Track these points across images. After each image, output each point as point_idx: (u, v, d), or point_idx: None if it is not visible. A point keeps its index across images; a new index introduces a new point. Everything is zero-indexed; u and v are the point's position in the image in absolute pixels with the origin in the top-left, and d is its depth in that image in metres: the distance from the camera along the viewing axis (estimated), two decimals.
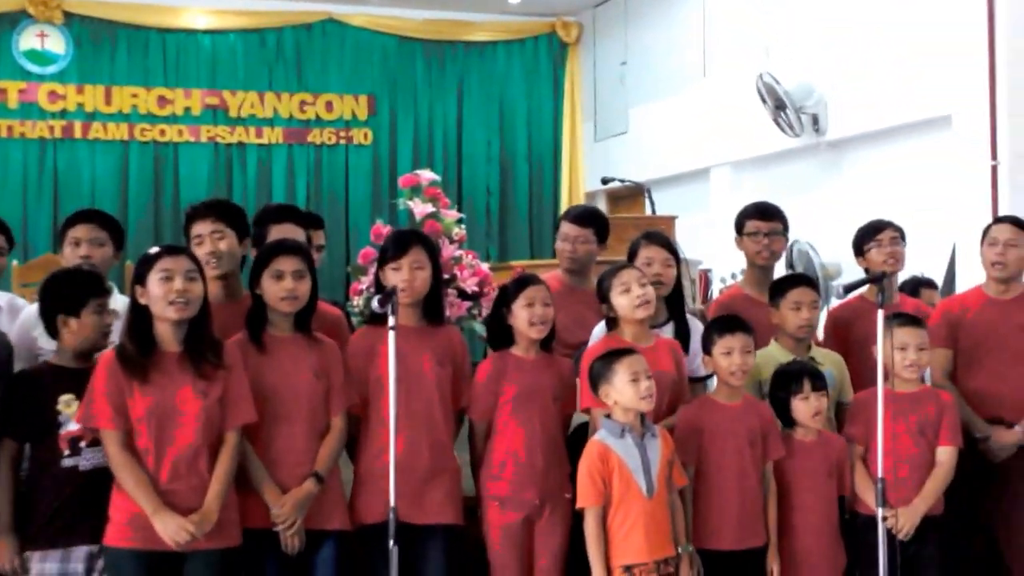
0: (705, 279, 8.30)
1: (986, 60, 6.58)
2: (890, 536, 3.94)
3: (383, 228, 5.12)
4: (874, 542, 3.94)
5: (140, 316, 3.53)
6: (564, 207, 9.96)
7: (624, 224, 6.35)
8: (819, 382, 4.12)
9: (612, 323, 4.18)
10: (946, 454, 4.18)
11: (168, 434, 3.49)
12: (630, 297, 4.06)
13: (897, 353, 4.09)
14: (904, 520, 4.05)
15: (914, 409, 4.09)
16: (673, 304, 4.45)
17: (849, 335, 4.67)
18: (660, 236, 4.58)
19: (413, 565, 3.82)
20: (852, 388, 4.43)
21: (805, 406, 4.09)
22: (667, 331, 4.36)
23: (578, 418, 4.25)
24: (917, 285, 6.14)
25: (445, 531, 3.94)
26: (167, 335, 3.54)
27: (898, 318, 4.13)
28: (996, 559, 4.53)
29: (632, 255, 4.48)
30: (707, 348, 4.09)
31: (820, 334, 4.72)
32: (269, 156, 10.56)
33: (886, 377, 4.04)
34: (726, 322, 4.14)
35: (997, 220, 4.76)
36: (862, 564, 4.13)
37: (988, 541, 4.56)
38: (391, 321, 3.58)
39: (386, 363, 3.61)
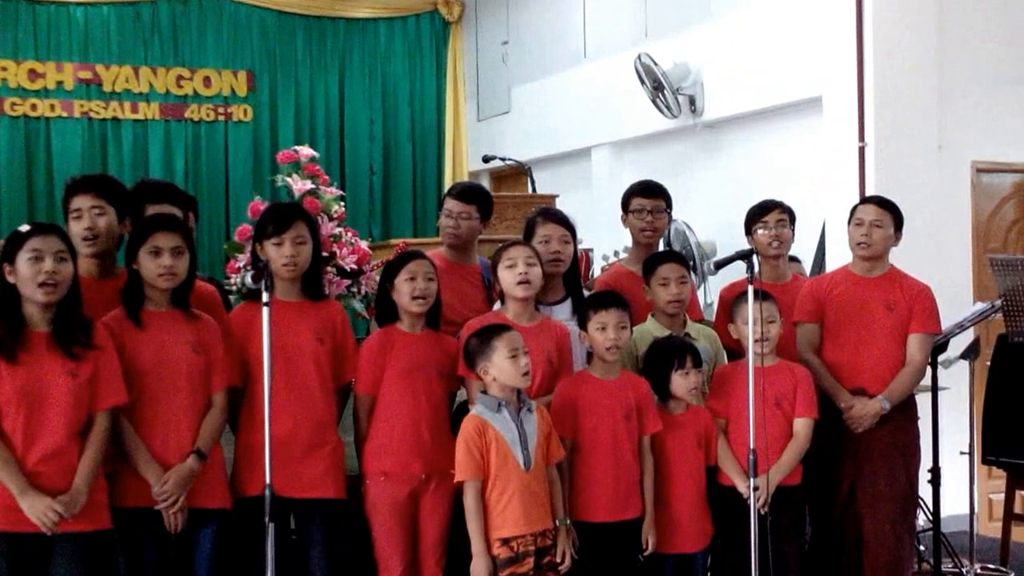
0: (587, 258, 8.38)
1: (854, 43, 6.75)
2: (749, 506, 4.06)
3: (261, 205, 5.08)
4: (735, 513, 4.07)
5: (7, 295, 3.46)
6: (447, 186, 9.97)
7: (505, 203, 6.40)
8: (698, 358, 4.22)
9: (503, 298, 4.23)
10: (802, 425, 4.34)
11: (36, 415, 3.43)
12: (513, 273, 4.11)
13: (748, 327, 4.20)
14: (762, 490, 4.17)
15: (771, 382, 4.20)
16: (571, 281, 4.51)
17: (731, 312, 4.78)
18: (557, 213, 4.64)
19: (295, 539, 3.82)
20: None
21: (685, 381, 4.19)
22: (565, 308, 4.41)
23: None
24: None
25: (326, 505, 3.95)
26: (35, 315, 3.47)
27: (746, 295, 4.23)
28: (856, 527, 4.71)
29: (529, 233, 4.51)
30: (583, 324, 4.15)
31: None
32: (145, 132, 10.34)
33: (748, 352, 4.15)
34: (600, 298, 4.21)
35: (863, 201, 4.91)
36: (725, 534, 4.26)
37: (848, 509, 4.73)
38: (265, 297, 3.58)
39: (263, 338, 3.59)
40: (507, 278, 4.14)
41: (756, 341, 4.10)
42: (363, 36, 11.06)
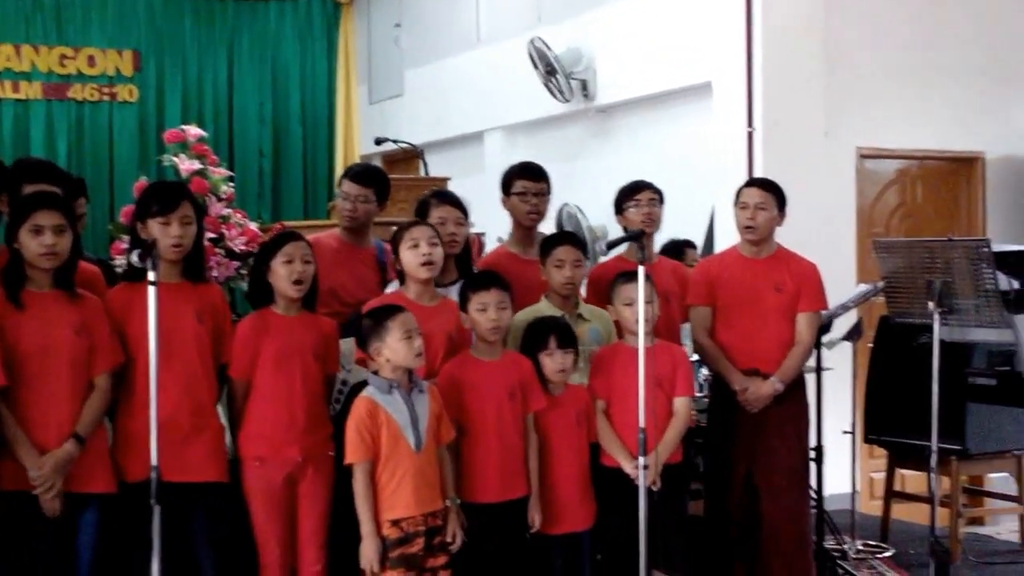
0: (479, 243, 8.39)
1: (743, 30, 6.85)
2: (634, 486, 4.09)
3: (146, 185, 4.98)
4: (618, 492, 4.10)
5: None
6: (339, 170, 9.88)
7: (397, 185, 6.34)
8: (566, 339, 4.23)
9: (403, 278, 4.20)
10: (682, 404, 4.40)
11: None
12: (416, 254, 4.09)
13: (629, 309, 4.23)
14: (650, 469, 4.22)
15: (651, 362, 4.24)
16: (463, 263, 4.51)
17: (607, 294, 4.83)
18: (450, 195, 4.65)
19: (178, 523, 3.76)
20: None
21: (550, 362, 4.20)
22: (457, 290, 4.39)
23: None
24: (680, 246, 6.40)
25: (208, 489, 3.89)
26: None
27: (625, 275, 4.27)
28: (752, 505, 4.79)
29: (422, 214, 4.49)
30: (463, 305, 4.14)
31: None
32: (27, 112, 10.03)
33: (634, 332, 4.20)
34: (481, 279, 4.21)
35: (747, 184, 4.99)
36: (609, 513, 4.29)
37: (744, 488, 4.81)
38: (152, 276, 3.48)
39: (144, 320, 3.49)
40: (410, 259, 4.12)
41: (628, 322, 4.16)
42: (253, 17, 10.87)
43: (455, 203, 4.54)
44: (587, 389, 4.38)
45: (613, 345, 4.50)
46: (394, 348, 3.79)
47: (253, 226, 5.39)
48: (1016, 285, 4.47)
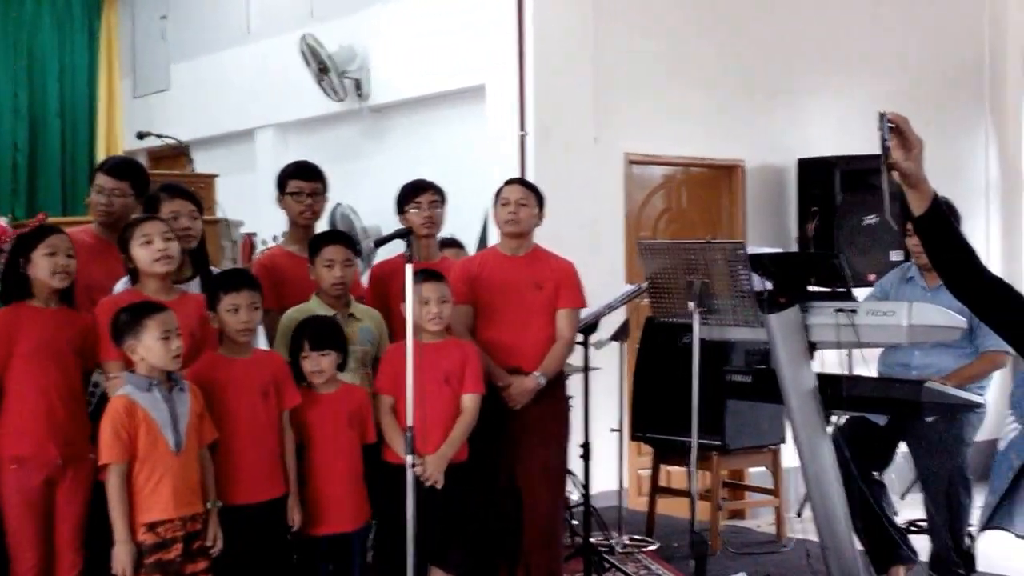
0: (250, 242, 8.21)
1: (516, 35, 6.92)
2: (419, 482, 4.11)
3: None
4: (403, 489, 4.08)
5: None
6: None
7: (160, 182, 6.16)
8: (326, 340, 4.17)
9: (135, 276, 4.05)
10: (470, 401, 4.41)
11: None
12: (151, 250, 3.96)
13: (422, 307, 4.24)
14: (432, 467, 4.23)
15: (440, 359, 4.25)
16: (198, 258, 4.39)
17: (388, 291, 4.80)
18: (181, 188, 4.54)
19: None
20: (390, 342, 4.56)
21: (308, 363, 4.16)
22: (194, 286, 4.29)
23: None
24: (443, 245, 6.40)
25: None
26: None
27: (421, 273, 4.27)
28: (517, 498, 4.84)
29: (153, 209, 4.35)
30: (212, 304, 4.03)
31: None
32: None
33: (424, 330, 4.21)
34: (231, 278, 4.13)
35: (507, 182, 5.05)
36: (393, 511, 4.26)
37: (507, 485, 4.85)
38: None
39: None
40: (144, 255, 3.97)
41: (431, 320, 4.18)
42: (6, 4, 10.31)
43: (187, 196, 4.44)
44: (362, 388, 4.34)
45: (400, 343, 4.47)
46: (150, 347, 3.66)
47: (3, 221, 5.10)
48: (769, 286, 4.64)
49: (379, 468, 4.29)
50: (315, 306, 4.43)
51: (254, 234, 8.27)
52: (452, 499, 4.32)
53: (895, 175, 2.50)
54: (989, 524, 2.52)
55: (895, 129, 2.48)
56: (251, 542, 3.92)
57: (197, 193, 4.52)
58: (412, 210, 4.92)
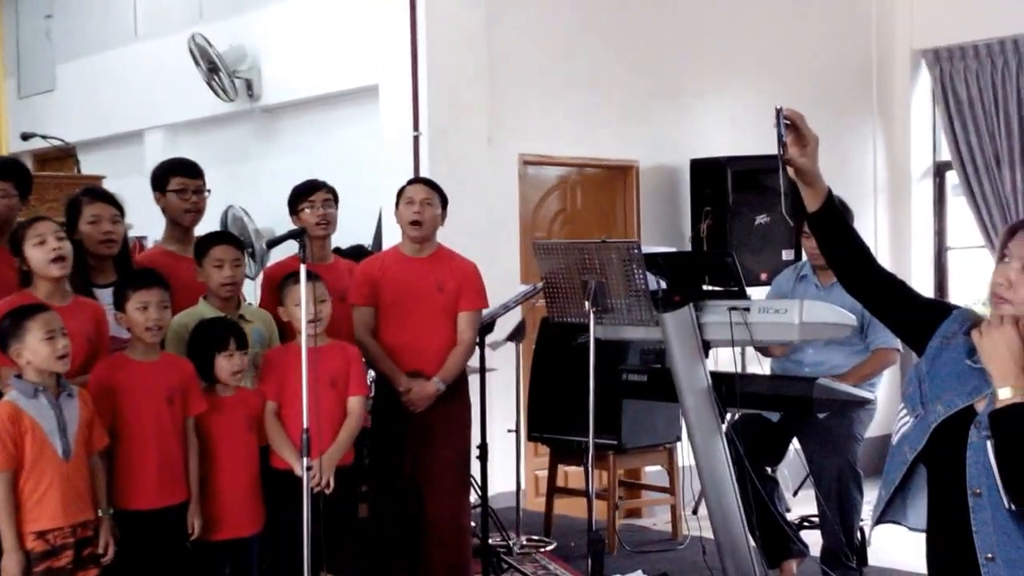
0: (139, 246, 8.05)
1: (408, 35, 6.87)
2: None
3: None
4: (290, 494, 4.02)
5: None
6: None
7: (46, 183, 6.02)
8: (242, 340, 4.14)
9: (27, 279, 3.93)
10: (355, 403, 4.37)
11: None
12: (45, 250, 3.84)
13: (299, 309, 4.16)
14: (322, 471, 4.17)
15: (324, 362, 4.20)
16: (122, 263, 4.31)
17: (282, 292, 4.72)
18: (103, 192, 4.49)
19: None
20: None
21: (229, 363, 4.09)
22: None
23: None
24: (361, 254, 6.33)
25: None
26: None
27: (293, 276, 4.19)
28: (417, 503, 4.80)
29: (75, 213, 4.28)
30: (120, 304, 3.94)
31: None
32: None
33: (298, 334, 4.14)
34: (140, 277, 4.04)
35: (411, 181, 5.03)
36: (281, 517, 4.20)
37: (409, 488, 4.82)
38: None
39: None
40: (38, 255, 3.86)
41: (309, 322, 4.07)
42: None
43: (109, 200, 4.34)
44: (258, 392, 4.28)
45: (286, 345, 4.43)
46: (35, 349, 3.56)
47: None
48: (664, 285, 4.67)
49: (265, 475, 4.22)
50: (204, 309, 4.34)
51: (144, 237, 8.10)
52: (340, 503, 4.27)
53: (790, 171, 2.52)
54: (883, 518, 2.55)
55: (791, 125, 2.50)
56: (150, 549, 3.86)
57: (118, 197, 4.41)
58: (306, 209, 4.87)
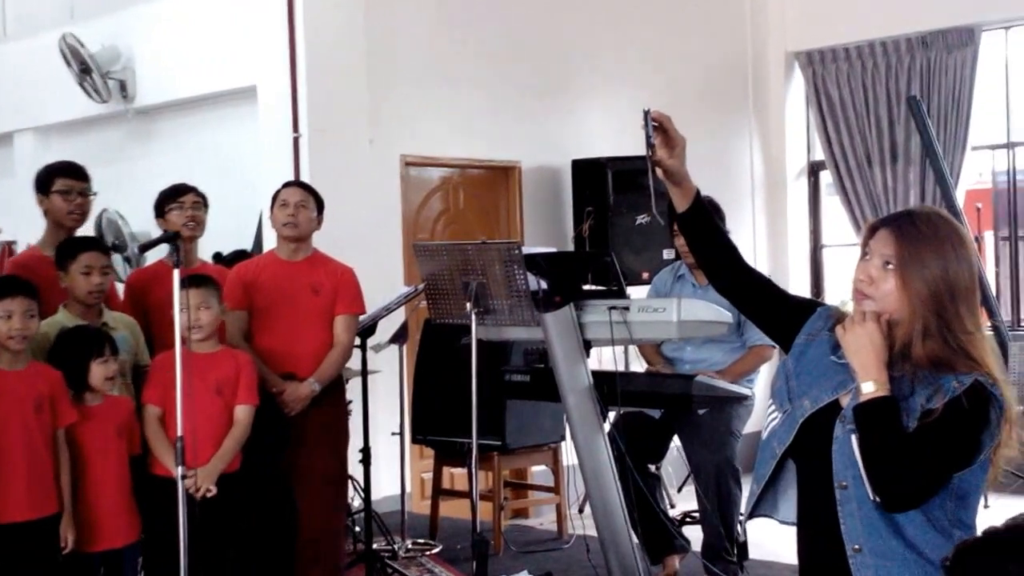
0: (9, 250, 7.84)
1: (287, 35, 6.79)
2: (190, 496, 3.98)
3: None
4: (171, 502, 3.95)
5: None
6: None
7: None
8: (114, 346, 4.06)
9: None
10: (243, 412, 4.31)
11: None
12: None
13: (181, 315, 4.10)
14: (203, 479, 4.11)
15: (212, 369, 4.14)
16: None
17: (148, 299, 4.66)
18: None
19: None
20: (148, 351, 4.41)
21: (104, 369, 4.00)
22: None
23: None
24: (242, 259, 6.22)
25: None
26: None
27: (190, 279, 4.15)
28: (294, 506, 4.75)
29: None
30: None
31: None
32: None
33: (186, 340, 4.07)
34: (5, 284, 3.92)
35: (285, 184, 4.98)
36: (163, 527, 4.12)
37: (287, 488, 4.77)
38: None
39: None
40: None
41: (192, 328, 4.03)
42: None
43: None
44: (128, 399, 4.22)
45: (170, 352, 4.32)
46: None
47: None
48: (544, 285, 4.68)
49: (146, 482, 4.14)
50: (63, 318, 4.24)
51: (13, 242, 7.90)
52: (224, 511, 4.20)
53: (659, 172, 2.55)
54: (754, 512, 2.59)
55: (659, 127, 2.53)
56: (21, 562, 3.76)
57: None
58: (174, 211, 4.79)
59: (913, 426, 2.26)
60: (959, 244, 2.33)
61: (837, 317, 2.45)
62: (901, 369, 2.31)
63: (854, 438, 2.30)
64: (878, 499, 2.27)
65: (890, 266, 2.31)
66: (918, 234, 2.31)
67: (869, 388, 2.28)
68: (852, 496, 2.32)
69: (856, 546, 2.32)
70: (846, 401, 2.36)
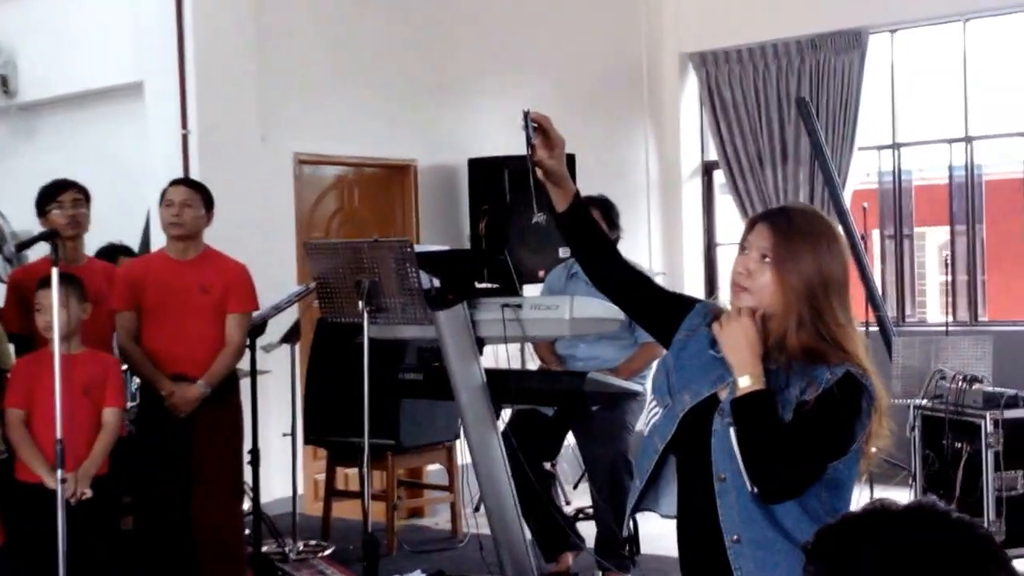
0: None
1: (175, 30, 6.67)
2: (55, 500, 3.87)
3: None
4: (38, 507, 3.86)
5: None
6: None
7: None
8: None
9: None
10: (111, 415, 4.23)
11: None
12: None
13: (61, 312, 4.01)
14: (79, 482, 4.02)
15: (78, 370, 4.05)
16: None
17: (30, 298, 4.52)
18: None
19: None
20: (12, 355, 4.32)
21: None
22: None
23: None
24: (115, 251, 6.10)
25: None
26: None
27: (45, 281, 4.04)
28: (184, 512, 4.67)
29: None
30: None
31: None
32: None
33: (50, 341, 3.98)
34: None
35: (172, 183, 4.89)
36: (29, 533, 4.02)
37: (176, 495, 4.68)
38: None
39: None
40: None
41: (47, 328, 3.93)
42: None
43: None
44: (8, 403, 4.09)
45: (37, 353, 4.23)
46: None
47: None
48: (437, 283, 4.67)
49: (10, 488, 4.02)
50: None
51: None
52: (96, 514, 4.11)
53: (539, 172, 2.55)
54: (637, 507, 2.60)
55: (539, 128, 2.54)
56: None
57: None
58: (55, 210, 4.68)
59: (789, 417, 2.30)
60: (832, 240, 2.37)
61: (715, 313, 2.48)
62: (776, 361, 2.35)
63: (732, 431, 2.32)
64: (756, 490, 2.30)
65: (767, 259, 2.35)
66: (794, 229, 2.35)
67: (745, 382, 2.31)
68: (730, 488, 2.35)
69: (734, 537, 2.35)
70: (724, 395, 2.39)
